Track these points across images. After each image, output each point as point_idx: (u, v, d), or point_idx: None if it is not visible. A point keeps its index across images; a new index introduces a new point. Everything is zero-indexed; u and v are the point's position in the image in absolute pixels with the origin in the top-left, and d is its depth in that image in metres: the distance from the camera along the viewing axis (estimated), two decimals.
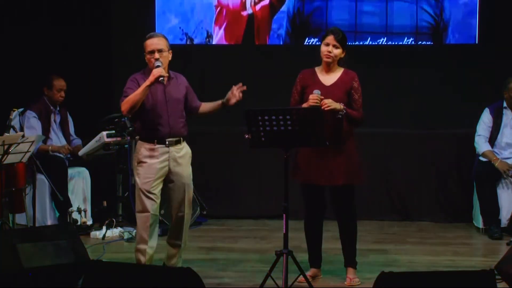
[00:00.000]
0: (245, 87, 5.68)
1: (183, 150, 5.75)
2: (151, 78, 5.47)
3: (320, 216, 5.82)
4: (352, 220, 5.77)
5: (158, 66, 5.50)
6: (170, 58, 5.70)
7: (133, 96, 5.51)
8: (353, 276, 5.76)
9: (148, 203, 5.63)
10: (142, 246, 5.67)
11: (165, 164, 5.66)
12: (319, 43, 5.73)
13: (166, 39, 5.73)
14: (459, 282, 4.31)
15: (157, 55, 5.58)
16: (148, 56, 5.63)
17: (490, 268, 4.57)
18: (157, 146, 5.65)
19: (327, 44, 5.61)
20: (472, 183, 7.62)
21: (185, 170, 5.75)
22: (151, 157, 5.65)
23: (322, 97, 5.46)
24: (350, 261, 5.81)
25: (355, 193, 5.76)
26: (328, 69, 5.69)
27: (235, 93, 5.66)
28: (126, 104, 5.53)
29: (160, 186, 5.70)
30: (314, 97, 5.45)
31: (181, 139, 5.74)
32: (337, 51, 5.62)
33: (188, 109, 5.82)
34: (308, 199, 5.78)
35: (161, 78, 5.47)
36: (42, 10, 8.40)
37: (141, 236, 5.67)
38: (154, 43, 5.63)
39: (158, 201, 5.68)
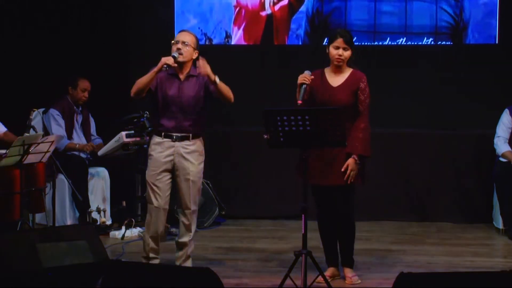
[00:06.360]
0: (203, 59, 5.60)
1: (192, 147, 5.78)
2: (158, 64, 5.58)
3: (331, 216, 5.79)
4: (350, 220, 5.76)
5: (173, 57, 5.62)
6: (194, 57, 5.75)
7: (139, 80, 5.66)
8: (351, 275, 5.77)
9: (152, 195, 5.78)
10: (145, 234, 5.89)
11: (170, 158, 5.74)
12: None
13: (197, 38, 5.83)
14: (478, 282, 4.28)
15: (179, 45, 5.67)
16: (172, 45, 5.73)
17: (510, 269, 4.55)
18: (164, 139, 5.75)
19: (337, 48, 5.62)
20: (492, 183, 7.58)
21: (192, 167, 5.78)
22: (157, 150, 5.76)
23: (312, 77, 5.50)
24: (347, 260, 5.82)
25: (355, 194, 5.74)
26: (337, 70, 5.70)
27: (199, 66, 5.59)
28: (134, 87, 5.68)
29: (167, 180, 5.78)
30: (304, 75, 5.48)
31: (190, 135, 5.77)
32: (347, 53, 5.64)
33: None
34: (317, 199, 5.79)
35: (165, 66, 5.56)
36: (60, 12, 8.44)
37: (147, 225, 5.87)
38: (182, 35, 5.76)
39: (164, 194, 5.78)
